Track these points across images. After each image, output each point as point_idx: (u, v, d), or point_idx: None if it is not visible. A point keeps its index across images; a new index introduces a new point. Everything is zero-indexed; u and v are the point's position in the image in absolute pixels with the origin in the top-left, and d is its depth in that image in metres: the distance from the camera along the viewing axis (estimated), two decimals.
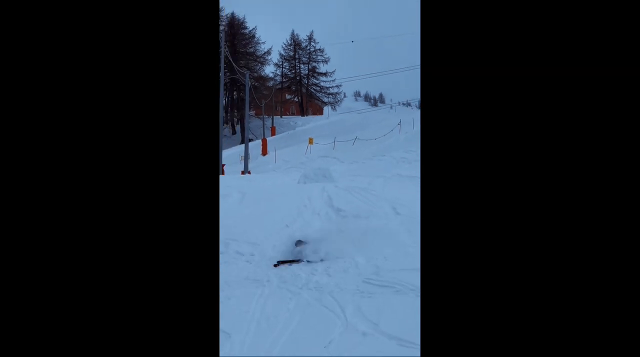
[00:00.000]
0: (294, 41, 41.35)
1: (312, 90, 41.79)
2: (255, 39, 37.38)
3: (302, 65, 41.37)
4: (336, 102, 42.12)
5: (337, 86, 41.28)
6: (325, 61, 41.10)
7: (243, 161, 15.16)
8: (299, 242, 4.02)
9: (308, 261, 3.78)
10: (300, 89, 41.44)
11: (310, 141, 18.11)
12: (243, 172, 14.31)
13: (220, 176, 11.32)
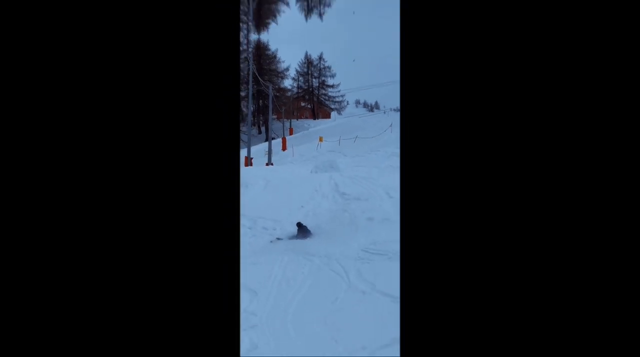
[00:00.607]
0: (307, 60, 41.26)
1: (322, 99, 41.84)
2: (277, 59, 37.39)
3: (313, 79, 41.35)
4: (341, 108, 42.14)
5: (341, 96, 41.43)
6: (332, 76, 41.16)
7: (267, 155, 15.14)
8: (299, 225, 3.88)
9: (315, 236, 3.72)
10: (312, 98, 41.47)
11: (321, 139, 17.98)
12: (267, 164, 14.30)
13: (249, 167, 11.32)
